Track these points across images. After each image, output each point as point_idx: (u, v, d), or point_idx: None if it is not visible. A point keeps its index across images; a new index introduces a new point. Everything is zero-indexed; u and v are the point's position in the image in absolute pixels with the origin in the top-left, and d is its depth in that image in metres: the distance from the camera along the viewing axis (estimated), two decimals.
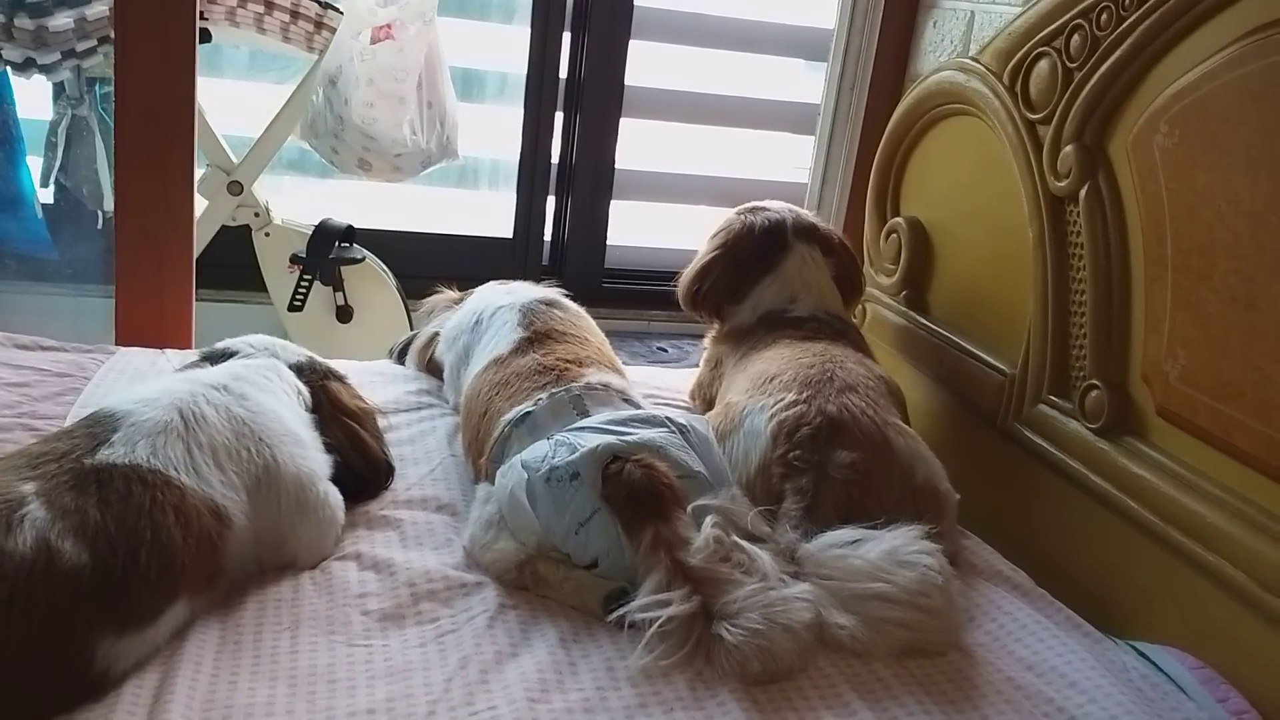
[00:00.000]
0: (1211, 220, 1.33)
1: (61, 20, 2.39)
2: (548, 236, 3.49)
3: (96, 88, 2.73)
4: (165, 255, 1.98)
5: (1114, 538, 1.46)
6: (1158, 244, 1.42)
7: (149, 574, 1.06)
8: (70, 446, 1.11)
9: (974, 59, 1.74)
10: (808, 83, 3.44)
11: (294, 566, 1.27)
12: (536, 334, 1.56)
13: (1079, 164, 1.52)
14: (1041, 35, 1.60)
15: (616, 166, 3.43)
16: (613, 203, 3.48)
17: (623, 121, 3.39)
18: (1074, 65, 1.54)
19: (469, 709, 1.05)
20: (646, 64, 3.23)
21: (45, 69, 2.43)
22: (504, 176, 3.46)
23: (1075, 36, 1.53)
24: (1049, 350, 1.58)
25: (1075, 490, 1.52)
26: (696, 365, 1.88)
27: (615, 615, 1.16)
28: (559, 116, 3.32)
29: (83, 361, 1.70)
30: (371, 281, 2.89)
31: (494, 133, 3.31)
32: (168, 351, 1.81)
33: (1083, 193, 1.52)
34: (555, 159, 3.40)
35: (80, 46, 2.45)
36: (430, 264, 3.29)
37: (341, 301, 2.87)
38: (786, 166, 4.17)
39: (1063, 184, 1.55)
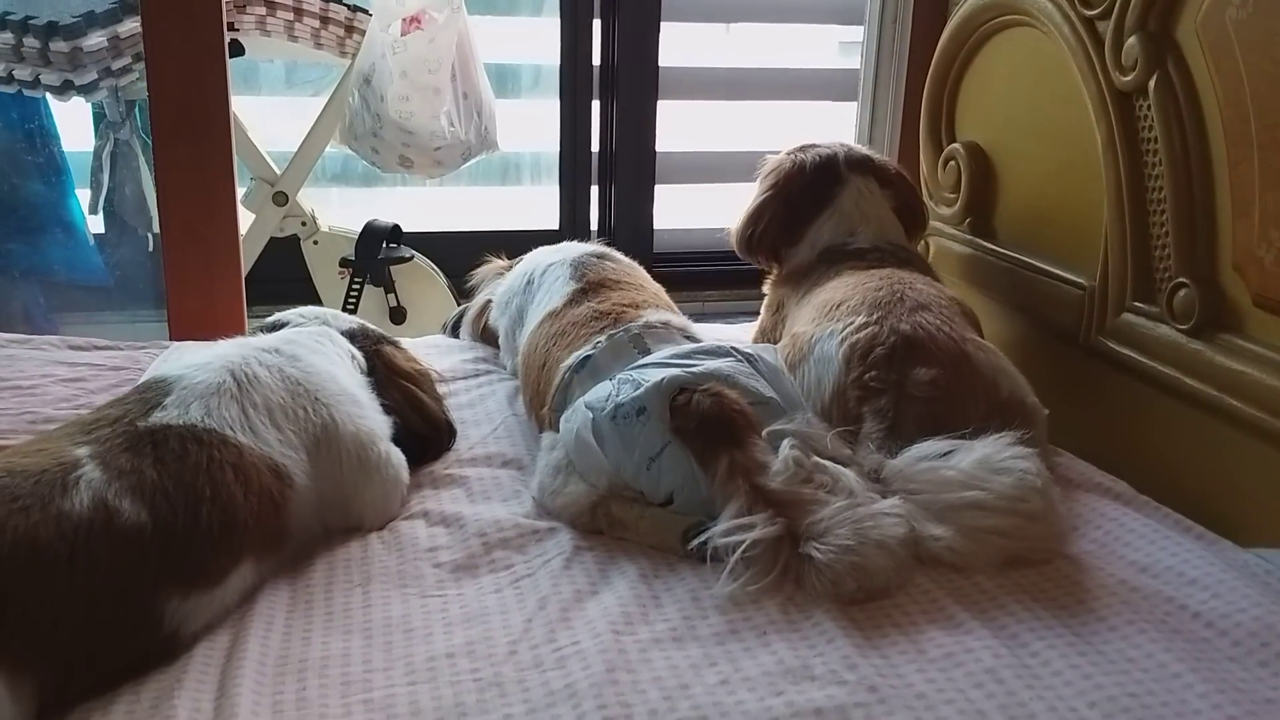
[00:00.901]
0: None
1: (95, 40, 2.40)
2: (594, 226, 3.46)
3: (136, 110, 2.74)
4: (215, 272, 1.97)
5: (1218, 443, 1.37)
6: (1240, 123, 1.33)
7: (211, 532, 1.02)
8: (123, 412, 1.08)
9: None
10: (842, 49, 3.39)
11: (360, 528, 1.23)
12: (590, 284, 1.51)
13: (1145, 54, 1.44)
14: None
15: (658, 150, 3.39)
16: (657, 187, 3.45)
17: (660, 104, 3.35)
18: None
19: (551, 645, 0.99)
20: (679, 45, 3.19)
21: (83, 90, 2.44)
22: (545, 169, 3.44)
23: None
24: (1129, 254, 1.50)
25: (1171, 398, 1.44)
26: None
27: (696, 543, 1.10)
28: (596, 105, 3.29)
29: (137, 356, 1.69)
30: (422, 282, 2.87)
31: (532, 126, 3.29)
32: (221, 341, 1.79)
33: (1151, 84, 1.44)
34: (595, 148, 3.37)
35: (115, 65, 2.46)
36: (479, 262, 3.27)
37: (394, 303, 2.86)
38: (829, 135, 4.09)
39: (1129, 78, 1.47)
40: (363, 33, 2.64)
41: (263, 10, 2.54)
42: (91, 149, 2.72)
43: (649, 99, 3.32)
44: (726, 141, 3.71)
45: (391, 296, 2.84)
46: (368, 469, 1.24)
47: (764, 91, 3.62)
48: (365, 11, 2.64)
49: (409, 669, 0.97)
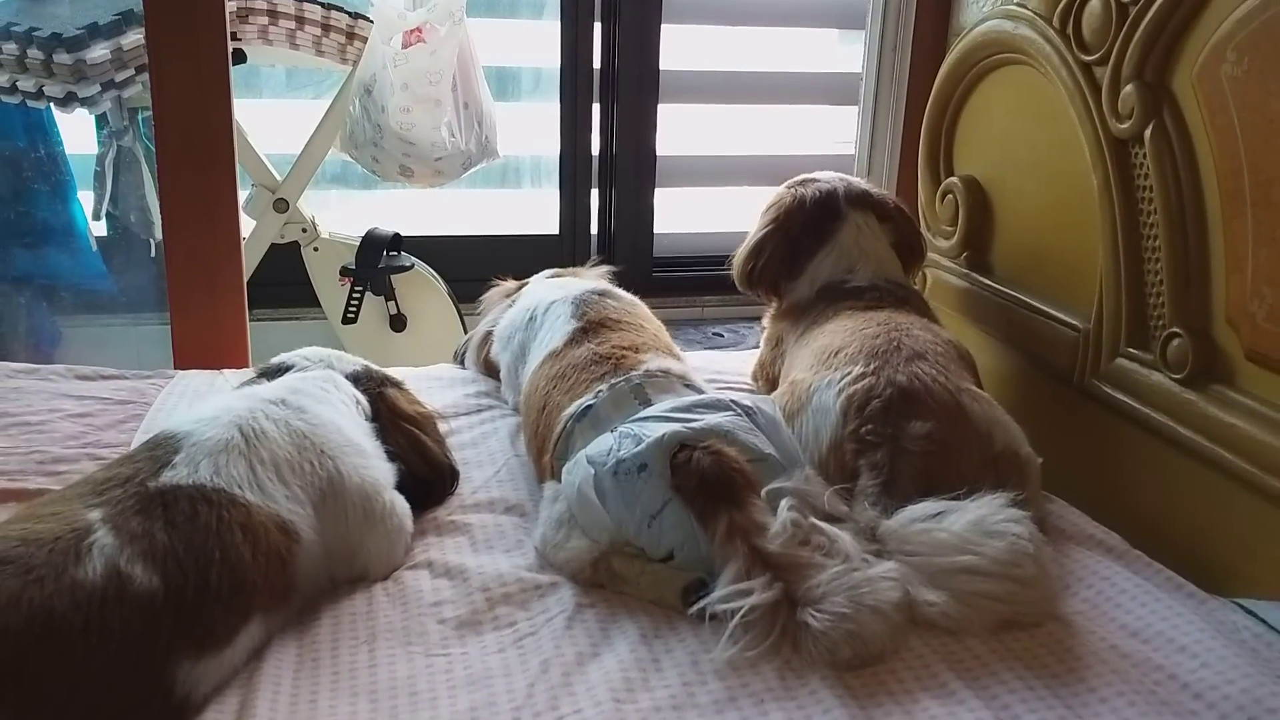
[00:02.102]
0: None
1: (98, 52, 2.40)
2: (594, 230, 3.47)
3: (139, 117, 2.75)
4: (217, 278, 1.99)
5: (1208, 491, 1.40)
6: (1234, 178, 1.35)
7: (221, 594, 1.04)
8: (134, 471, 1.10)
9: (1020, 4, 1.68)
10: (843, 53, 3.39)
11: (366, 578, 1.25)
12: (590, 323, 1.53)
13: (1141, 103, 1.46)
14: None
15: (658, 154, 3.40)
16: (657, 191, 3.45)
17: (661, 108, 3.35)
18: (1128, 1, 1.47)
19: (554, 714, 1.02)
20: (679, 48, 3.20)
21: (86, 102, 2.45)
22: (545, 173, 3.45)
23: None
24: (1124, 300, 1.52)
25: (1162, 445, 1.46)
26: (754, 348, 1.84)
27: (696, 608, 1.12)
28: (596, 108, 3.30)
29: (142, 388, 1.70)
30: (422, 289, 2.89)
31: (532, 129, 3.29)
32: (225, 372, 1.81)
33: (1148, 133, 1.46)
34: (596, 151, 3.38)
35: (119, 77, 2.47)
36: (479, 266, 3.27)
37: (394, 311, 2.87)
38: (829, 139, 4.11)
39: (1125, 125, 1.49)
40: (364, 40, 2.65)
41: (265, 20, 2.55)
42: (94, 152, 2.73)
43: (649, 101, 3.32)
44: (726, 145, 3.72)
45: (391, 304, 2.86)
46: (372, 520, 1.26)
47: (763, 95, 3.63)
48: (366, 19, 2.65)
49: None
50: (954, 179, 1.87)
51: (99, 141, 2.71)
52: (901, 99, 2.04)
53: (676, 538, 1.19)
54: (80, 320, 2.86)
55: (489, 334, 1.81)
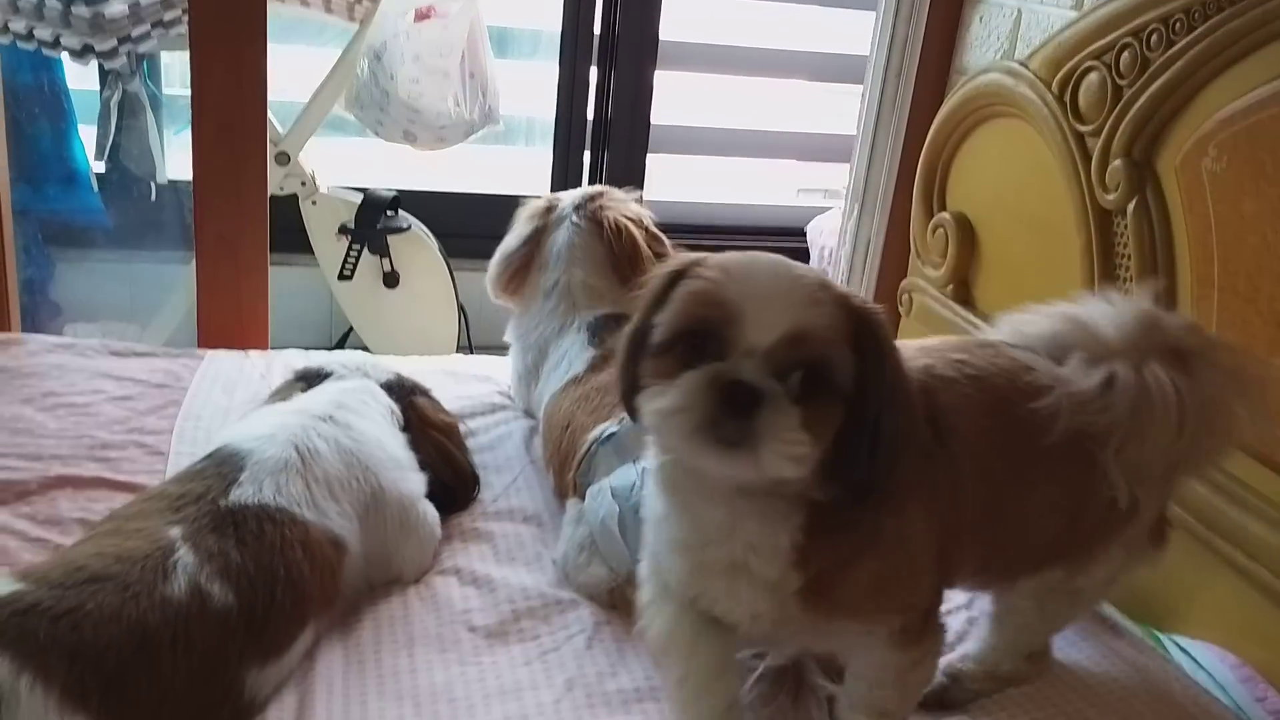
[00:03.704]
0: (1258, 246, 1.40)
1: (117, 7, 2.44)
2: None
3: (144, 63, 2.79)
4: (241, 254, 2.05)
5: None
6: (1205, 264, 1.49)
7: (285, 607, 1.17)
8: (205, 488, 1.21)
9: (1023, 64, 1.79)
10: (844, 33, 3.47)
11: (399, 581, 1.38)
12: (610, 351, 1.64)
13: (1127, 179, 1.58)
14: (1091, 49, 1.64)
15: (652, 121, 3.48)
16: (649, 157, 3.55)
17: (658, 75, 3.43)
18: (1124, 82, 1.59)
19: None
20: (681, 16, 3.27)
21: (103, 55, 2.49)
22: (540, 134, 3.51)
23: (1125, 54, 1.58)
24: None
25: None
26: None
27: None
28: (594, 72, 3.37)
29: (176, 370, 1.79)
30: (416, 247, 2.97)
31: (530, 90, 3.35)
32: (251, 354, 1.90)
33: (1130, 207, 1.58)
34: (591, 115, 3.45)
35: (135, 32, 2.50)
36: (469, 223, 3.36)
37: (388, 268, 2.96)
38: (826, 116, 4.21)
39: (1111, 197, 1.62)
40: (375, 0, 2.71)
41: None
42: (94, 88, 2.77)
43: (647, 68, 3.40)
44: (721, 117, 3.81)
45: (386, 262, 2.95)
46: (408, 529, 1.39)
47: (764, 69, 3.71)
48: None
49: None
50: (946, 214, 1.99)
51: (104, 85, 2.75)
52: (902, 126, 2.15)
53: None
54: (75, 256, 2.92)
55: (527, 253, 1.82)
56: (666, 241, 1.83)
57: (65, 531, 1.36)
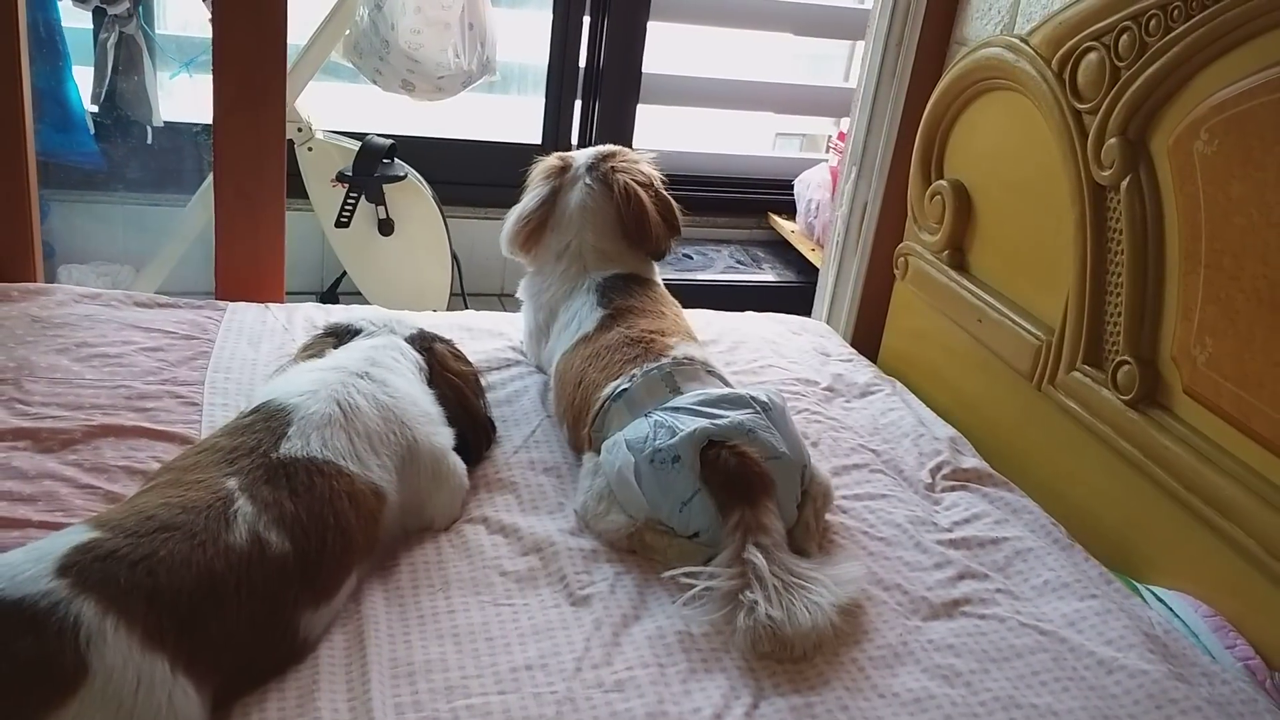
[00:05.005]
0: (1244, 226, 1.49)
1: None
2: (575, 141, 3.61)
3: (140, 6, 2.80)
4: (259, 206, 2.09)
5: (1139, 496, 1.65)
6: (1192, 240, 1.57)
7: (335, 553, 1.25)
8: (256, 441, 1.28)
9: (1024, 40, 1.86)
10: None
11: (431, 529, 1.47)
12: (617, 310, 1.72)
13: (1122, 157, 1.66)
14: (1091, 30, 1.71)
15: (644, 71, 3.53)
16: (640, 107, 3.60)
17: (651, 25, 3.48)
18: (1122, 64, 1.66)
19: (609, 669, 1.25)
20: None
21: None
22: (533, 81, 3.55)
23: (1124, 37, 1.65)
24: (1085, 324, 1.74)
25: (1105, 451, 1.71)
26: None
27: (669, 574, 1.36)
28: (586, 20, 3.41)
29: (200, 321, 1.85)
30: (411, 195, 3.03)
31: (522, 38, 3.38)
32: (271, 307, 1.96)
33: (1124, 184, 1.66)
34: (583, 63, 3.50)
35: None
36: (461, 170, 3.42)
37: (383, 215, 3.01)
38: (819, 70, 4.26)
39: (1105, 174, 1.70)
40: None
41: None
42: (90, 28, 2.78)
43: (640, 17, 3.45)
44: (712, 68, 3.86)
45: (381, 209, 3.00)
46: (440, 479, 1.47)
47: (758, 21, 3.76)
48: None
49: (497, 678, 1.22)
50: (943, 182, 2.07)
51: (100, 27, 2.76)
52: (902, 93, 2.21)
53: (703, 521, 1.42)
54: (69, 195, 2.95)
55: (541, 214, 1.87)
56: (675, 206, 1.91)
57: (112, 479, 1.43)
